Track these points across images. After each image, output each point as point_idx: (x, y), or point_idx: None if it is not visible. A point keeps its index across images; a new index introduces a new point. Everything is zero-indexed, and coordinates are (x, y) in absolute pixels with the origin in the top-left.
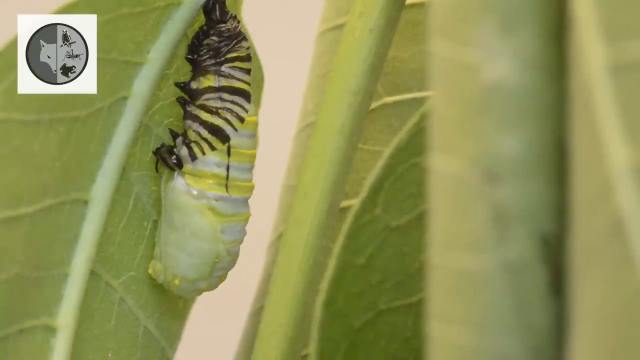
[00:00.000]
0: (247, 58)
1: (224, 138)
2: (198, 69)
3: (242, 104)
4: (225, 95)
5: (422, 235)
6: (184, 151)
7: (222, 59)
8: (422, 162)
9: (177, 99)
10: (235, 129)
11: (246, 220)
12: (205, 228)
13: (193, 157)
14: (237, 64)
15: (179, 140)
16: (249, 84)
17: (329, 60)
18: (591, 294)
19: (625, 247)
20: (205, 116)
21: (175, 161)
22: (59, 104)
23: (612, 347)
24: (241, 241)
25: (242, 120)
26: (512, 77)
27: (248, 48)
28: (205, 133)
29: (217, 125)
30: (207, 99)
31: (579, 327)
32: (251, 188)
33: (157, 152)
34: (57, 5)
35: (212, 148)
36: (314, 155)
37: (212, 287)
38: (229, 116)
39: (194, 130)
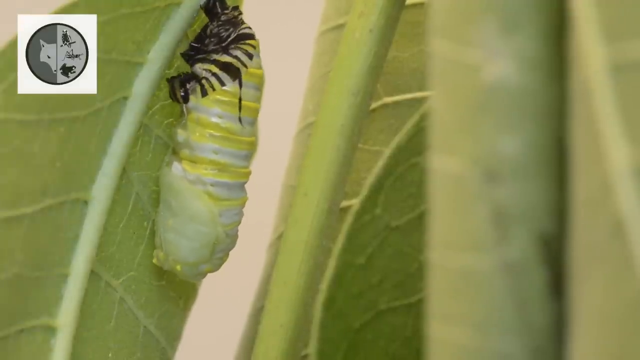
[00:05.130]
0: (253, 45)
1: (235, 73)
2: (202, 55)
3: (250, 43)
4: (232, 41)
5: (422, 235)
6: (195, 87)
7: (226, 43)
8: (422, 162)
9: (181, 54)
10: (245, 66)
11: (243, 204)
12: (203, 211)
13: (204, 93)
14: (241, 45)
15: (191, 78)
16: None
17: (329, 61)
18: (591, 295)
19: (626, 247)
20: (215, 56)
21: (183, 94)
22: (59, 104)
23: (613, 347)
24: (239, 223)
25: (250, 56)
26: (512, 77)
27: (254, 36)
28: (215, 69)
29: (227, 62)
30: (214, 44)
31: (579, 328)
32: (247, 174)
33: (170, 80)
34: (57, 5)
35: (222, 84)
36: (314, 155)
37: (215, 268)
38: (238, 53)
39: (205, 69)
